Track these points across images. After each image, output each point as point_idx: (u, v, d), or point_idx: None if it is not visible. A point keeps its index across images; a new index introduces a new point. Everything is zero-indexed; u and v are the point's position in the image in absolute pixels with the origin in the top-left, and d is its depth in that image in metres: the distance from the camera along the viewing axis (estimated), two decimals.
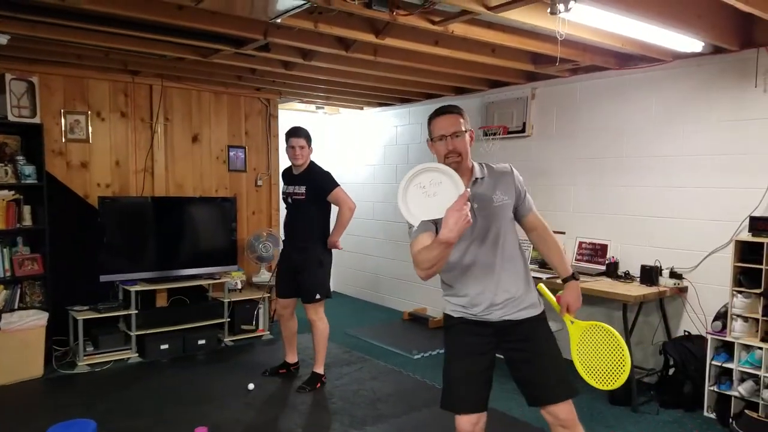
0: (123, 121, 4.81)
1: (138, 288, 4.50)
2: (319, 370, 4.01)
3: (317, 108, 6.58)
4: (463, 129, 2.18)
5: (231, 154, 5.38)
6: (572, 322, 2.26)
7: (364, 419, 3.43)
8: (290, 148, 3.94)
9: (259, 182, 5.57)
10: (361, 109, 6.66)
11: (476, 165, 2.24)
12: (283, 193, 4.09)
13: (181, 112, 5.09)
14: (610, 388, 2.15)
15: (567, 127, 4.70)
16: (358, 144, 6.92)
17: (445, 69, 4.26)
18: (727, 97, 3.76)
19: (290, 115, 6.53)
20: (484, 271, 2.14)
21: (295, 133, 3.94)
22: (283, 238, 4.12)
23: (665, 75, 4.06)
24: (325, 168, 4.05)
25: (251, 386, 3.90)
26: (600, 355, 2.17)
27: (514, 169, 2.28)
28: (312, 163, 4.00)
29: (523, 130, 4.95)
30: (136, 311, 4.48)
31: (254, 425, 3.34)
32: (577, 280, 2.29)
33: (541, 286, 2.38)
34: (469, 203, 1.86)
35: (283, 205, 4.22)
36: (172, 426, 3.28)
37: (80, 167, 4.64)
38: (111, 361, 4.37)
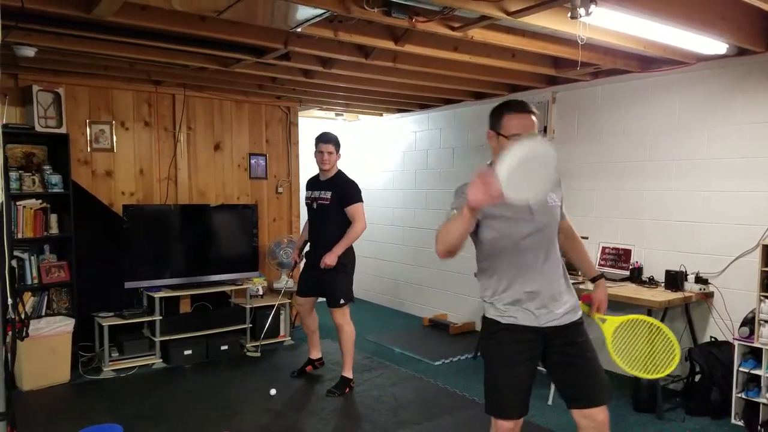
0: (146, 130, 4.90)
1: (162, 294, 4.56)
2: (348, 374, 4.02)
3: (336, 115, 6.62)
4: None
5: (252, 161, 5.44)
6: (603, 321, 2.26)
7: (386, 426, 3.43)
8: (319, 153, 3.97)
9: (280, 189, 5.62)
10: (381, 115, 6.69)
11: None
12: (308, 198, 4.10)
13: (203, 121, 5.17)
14: (659, 375, 2.18)
15: (589, 131, 4.66)
16: (377, 150, 6.94)
17: (465, 74, 4.25)
18: (752, 98, 3.70)
19: (310, 122, 6.57)
20: (534, 262, 2.13)
21: (325, 138, 3.97)
22: (308, 243, 4.15)
23: (689, 77, 4.01)
24: (352, 177, 4.08)
25: (273, 392, 3.92)
26: (641, 346, 2.19)
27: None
28: (340, 171, 4.04)
29: (544, 134, 4.91)
30: (161, 317, 4.54)
31: (276, 431, 3.35)
32: (605, 278, 2.31)
33: None
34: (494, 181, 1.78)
35: (303, 211, 4.25)
36: (195, 430, 3.31)
37: (105, 176, 4.73)
38: (136, 366, 4.43)
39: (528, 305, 2.13)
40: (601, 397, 2.14)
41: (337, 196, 3.91)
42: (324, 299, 4.00)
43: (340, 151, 4.02)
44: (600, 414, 2.13)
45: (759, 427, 3.28)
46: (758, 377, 3.40)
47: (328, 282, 3.93)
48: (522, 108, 2.17)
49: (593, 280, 2.33)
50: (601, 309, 2.26)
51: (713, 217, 3.91)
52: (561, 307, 2.16)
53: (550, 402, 3.81)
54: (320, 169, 4.04)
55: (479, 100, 5.47)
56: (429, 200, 6.22)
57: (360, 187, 4.03)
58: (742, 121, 3.75)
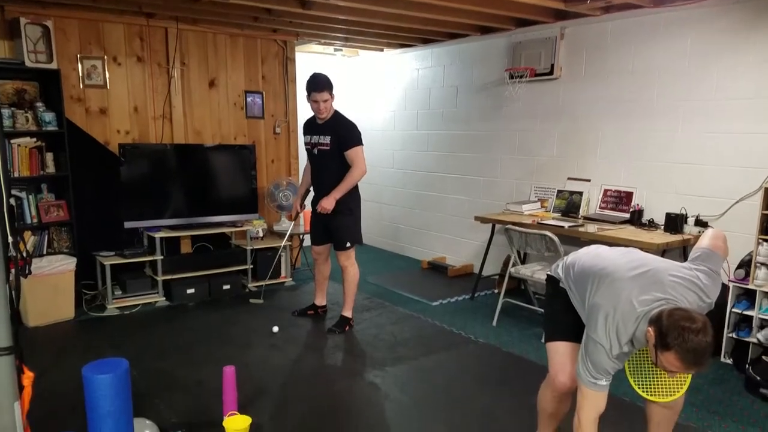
0: (139, 66, 4.76)
1: (162, 234, 4.57)
2: (348, 313, 4.09)
3: (335, 50, 6.42)
4: None
5: (248, 99, 5.32)
6: None
7: (384, 361, 3.52)
8: (313, 103, 3.76)
9: (278, 130, 5.53)
10: (381, 50, 6.48)
11: None
12: (307, 144, 3.99)
13: (197, 56, 5.02)
14: (662, 400, 2.10)
15: (597, 70, 4.55)
16: (378, 88, 6.77)
17: (470, 6, 4.09)
18: (763, 37, 3.59)
19: (308, 57, 6.39)
20: None
21: (316, 86, 3.71)
22: (312, 189, 4.10)
23: (703, 14, 3.87)
24: (350, 118, 3.95)
25: (275, 329, 4.00)
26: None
27: None
28: (336, 113, 3.89)
29: (551, 72, 4.79)
30: (162, 257, 4.57)
31: (279, 365, 3.44)
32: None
33: None
34: None
35: (302, 154, 4.17)
36: (200, 366, 3.40)
37: (99, 113, 4.63)
38: (139, 304, 4.50)
39: None
40: None
41: (336, 139, 3.80)
42: None
43: (334, 92, 3.82)
44: None
45: (747, 365, 3.36)
46: (750, 318, 3.46)
47: (336, 225, 3.93)
48: None
49: None
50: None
51: (717, 159, 3.87)
52: None
53: (543, 340, 3.90)
54: (317, 117, 3.90)
55: (486, 34, 5.30)
56: (431, 142, 6.14)
57: (359, 128, 3.93)
58: (753, 60, 3.65)
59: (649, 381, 2.10)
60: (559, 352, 2.24)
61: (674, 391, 2.06)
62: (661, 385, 2.09)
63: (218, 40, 5.11)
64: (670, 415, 2.27)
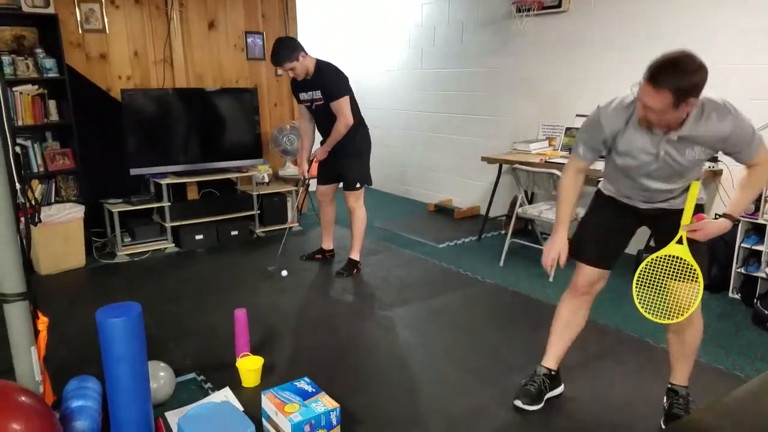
0: (137, 8, 4.63)
1: (168, 181, 4.57)
2: (356, 256, 4.12)
3: None
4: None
5: (249, 41, 5.19)
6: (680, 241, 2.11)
7: (392, 302, 3.57)
8: (285, 72, 3.75)
9: (279, 72, 5.41)
10: None
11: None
12: (303, 100, 3.90)
13: None
14: (669, 322, 2.08)
15: (606, 1, 4.37)
16: (381, 26, 6.57)
17: None
18: None
19: None
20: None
21: (275, 60, 3.67)
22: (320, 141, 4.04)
23: None
24: (336, 65, 3.81)
25: (284, 273, 4.05)
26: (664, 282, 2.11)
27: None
28: (318, 65, 3.74)
29: (559, 5, 4.61)
30: (169, 203, 4.59)
31: (289, 308, 3.51)
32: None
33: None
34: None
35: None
36: (211, 309, 3.47)
37: (99, 59, 4.55)
38: (149, 251, 4.55)
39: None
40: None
41: (327, 93, 3.73)
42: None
43: (302, 51, 3.66)
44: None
45: (755, 300, 3.39)
46: (759, 253, 3.46)
47: (345, 166, 3.91)
48: (649, 77, 1.90)
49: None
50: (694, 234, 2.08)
51: (729, 92, 3.73)
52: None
53: (551, 279, 3.93)
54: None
55: None
56: (437, 81, 6.00)
57: (344, 74, 3.77)
58: None
59: (655, 302, 2.10)
60: (584, 274, 2.38)
61: (678, 314, 2.05)
62: (667, 305, 2.09)
63: None
64: (682, 349, 2.29)
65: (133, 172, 4.54)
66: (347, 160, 3.89)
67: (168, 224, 4.62)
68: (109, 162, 4.61)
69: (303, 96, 3.88)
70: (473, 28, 5.47)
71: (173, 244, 4.67)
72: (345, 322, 3.32)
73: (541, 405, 2.45)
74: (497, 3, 5.17)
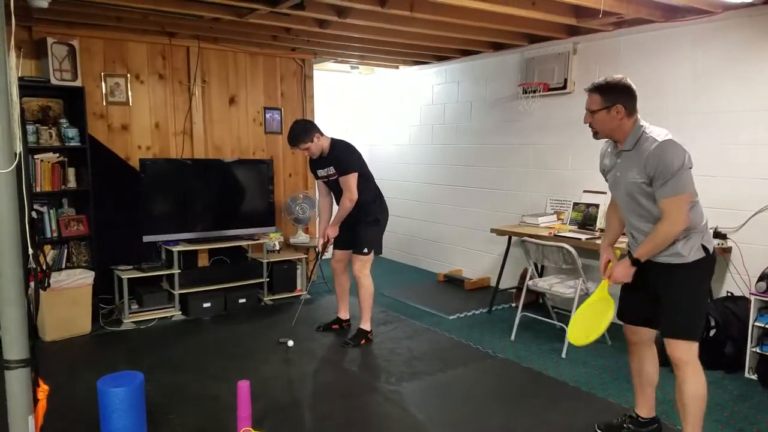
0: (161, 83, 4.86)
1: (180, 248, 4.62)
2: (366, 326, 4.08)
3: (352, 68, 6.50)
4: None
5: (267, 116, 5.40)
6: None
7: (401, 376, 3.49)
8: (301, 152, 3.99)
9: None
10: (397, 68, 6.55)
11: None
12: (320, 177, 4.08)
13: (218, 74, 5.11)
14: (577, 342, 2.60)
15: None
16: (394, 104, 6.83)
17: (483, 23, 4.13)
18: None
19: (325, 75, 6.47)
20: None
21: (291, 142, 3.91)
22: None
23: (714, 27, 3.86)
24: (350, 141, 4.03)
25: (291, 343, 3.99)
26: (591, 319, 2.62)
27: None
28: (332, 143, 3.95)
29: (564, 87, 4.79)
30: (179, 270, 4.61)
31: (294, 379, 3.44)
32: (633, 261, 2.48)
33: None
34: None
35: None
36: (215, 380, 3.40)
37: (121, 129, 4.73)
38: (155, 318, 4.53)
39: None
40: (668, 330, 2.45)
41: (337, 167, 3.90)
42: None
43: (317, 132, 3.88)
44: (672, 350, 2.43)
45: None
46: None
47: (360, 229, 3.97)
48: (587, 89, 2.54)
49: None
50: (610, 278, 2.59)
51: (734, 171, 3.82)
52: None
53: (563, 355, 3.85)
54: None
55: (498, 51, 5.33)
56: (446, 155, 6.15)
57: (355, 151, 3.98)
58: (767, 72, 3.62)
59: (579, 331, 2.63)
60: (625, 327, 2.73)
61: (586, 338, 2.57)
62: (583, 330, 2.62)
63: (238, 58, 5.21)
64: (680, 406, 2.47)
65: (146, 239, 4.60)
66: (363, 226, 3.97)
67: (176, 291, 4.63)
68: (122, 228, 4.68)
69: (320, 173, 4.04)
70: (481, 107, 5.67)
71: (180, 312, 4.66)
72: (351, 395, 3.24)
73: None
74: (504, 85, 5.37)
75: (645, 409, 2.73)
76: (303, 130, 3.89)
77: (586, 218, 4.62)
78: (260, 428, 2.68)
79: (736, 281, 3.80)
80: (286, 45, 5.19)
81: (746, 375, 3.50)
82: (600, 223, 4.53)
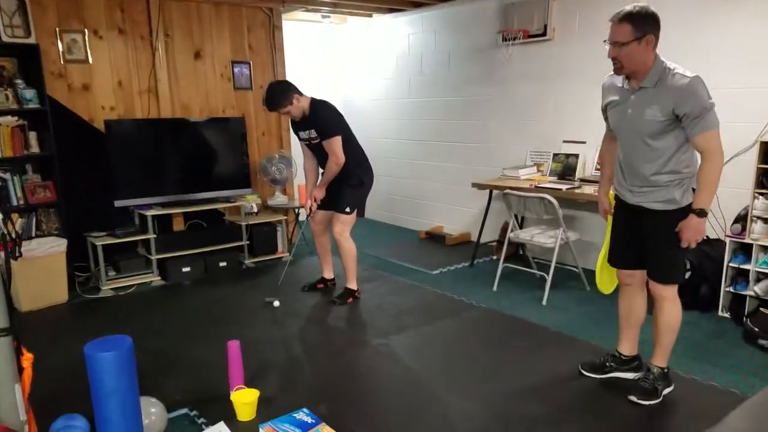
0: (122, 38, 4.60)
1: (154, 213, 4.48)
2: (352, 285, 4.06)
3: (323, 17, 6.27)
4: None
5: (235, 70, 5.19)
6: None
7: (389, 330, 3.51)
8: (281, 116, 3.77)
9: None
10: (370, 16, 6.33)
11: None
12: (302, 139, 3.94)
13: (181, 27, 4.86)
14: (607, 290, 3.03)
15: (590, 29, 4.47)
16: (369, 56, 6.63)
17: None
18: None
19: (294, 26, 6.24)
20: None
21: (271, 106, 3.72)
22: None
23: None
24: (329, 101, 3.86)
25: (277, 303, 3.96)
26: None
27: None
28: (312, 104, 3.77)
29: (544, 33, 4.71)
30: (155, 235, 4.50)
31: (283, 338, 3.42)
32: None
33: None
34: None
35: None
36: (203, 343, 3.36)
37: (82, 90, 4.49)
38: (134, 284, 4.43)
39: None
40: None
41: (319, 131, 3.76)
42: None
43: (295, 93, 3.70)
44: (655, 287, 2.54)
45: (744, 318, 3.40)
46: (747, 272, 3.49)
47: (342, 190, 3.88)
48: (612, 19, 2.37)
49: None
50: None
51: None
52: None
53: (544, 302, 3.91)
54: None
55: None
56: (424, 109, 6.05)
57: (337, 113, 3.82)
58: (747, 15, 3.60)
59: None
60: (618, 271, 2.80)
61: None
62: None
63: (202, 9, 4.95)
64: (655, 332, 2.63)
65: (118, 204, 4.45)
66: (346, 188, 3.88)
67: (154, 257, 4.52)
68: (92, 194, 4.52)
69: (302, 135, 3.90)
70: (460, 57, 5.55)
71: (159, 277, 4.56)
72: (342, 350, 3.24)
73: (600, 377, 2.80)
74: (483, 32, 5.26)
75: (627, 347, 2.81)
76: (280, 92, 3.70)
77: (565, 169, 4.64)
78: (253, 387, 2.67)
79: (711, 225, 3.88)
80: None
81: (720, 314, 3.62)
82: (580, 173, 4.56)
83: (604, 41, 2.37)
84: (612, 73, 2.47)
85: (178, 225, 4.87)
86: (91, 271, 4.51)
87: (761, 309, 3.37)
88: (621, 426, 2.43)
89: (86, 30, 4.43)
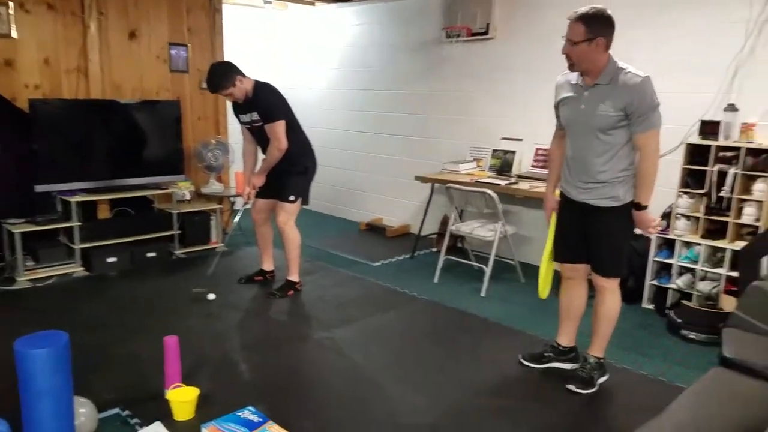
0: (51, 14, 4.27)
1: (78, 198, 4.21)
2: (293, 277, 3.97)
3: (265, 2, 6.09)
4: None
5: (172, 52, 4.95)
6: None
7: (331, 323, 3.48)
8: (224, 97, 3.68)
9: (204, 85, 5.17)
10: (313, 4, 6.21)
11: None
12: (243, 122, 3.81)
13: (116, 5, 4.57)
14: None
15: (530, 30, 4.60)
16: (311, 45, 6.52)
17: None
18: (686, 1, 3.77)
19: (234, 10, 6.03)
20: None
21: (213, 87, 3.60)
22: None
23: None
24: (273, 84, 3.76)
25: (211, 296, 3.81)
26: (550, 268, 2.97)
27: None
28: (256, 87, 3.66)
29: (486, 32, 4.80)
30: (79, 223, 4.23)
31: (220, 332, 3.31)
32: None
33: None
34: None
35: (230, 110, 3.95)
36: (134, 338, 3.19)
37: (4, 66, 4.13)
38: (54, 275, 4.15)
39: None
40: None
41: (262, 114, 3.65)
42: None
43: (238, 75, 3.58)
44: (598, 280, 2.67)
45: (667, 309, 3.62)
46: (669, 266, 3.72)
47: (286, 179, 3.78)
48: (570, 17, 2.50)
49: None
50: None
51: None
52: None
53: (483, 294, 4.01)
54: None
55: None
56: (367, 101, 6.02)
57: (281, 97, 3.73)
58: (678, 22, 3.83)
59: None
60: (561, 265, 2.90)
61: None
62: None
63: None
64: (594, 321, 2.77)
65: (39, 189, 4.14)
66: (290, 175, 3.78)
67: (77, 246, 4.25)
68: (10, 177, 4.18)
69: (243, 118, 3.78)
70: (404, 52, 5.56)
71: (82, 268, 4.30)
72: (283, 344, 3.18)
73: (539, 366, 2.91)
74: (428, 28, 5.29)
75: (566, 338, 2.92)
76: (222, 73, 3.57)
77: (503, 165, 4.76)
78: (190, 385, 2.56)
79: None
80: None
81: (644, 305, 3.84)
82: (516, 169, 4.69)
83: (562, 37, 2.45)
84: (566, 71, 2.57)
85: (104, 213, 4.59)
86: (6, 260, 4.18)
87: (683, 301, 3.60)
88: (565, 414, 2.52)
89: (11, 2, 4.07)
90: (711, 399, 1.68)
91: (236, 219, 4.46)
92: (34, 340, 1.80)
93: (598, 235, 2.59)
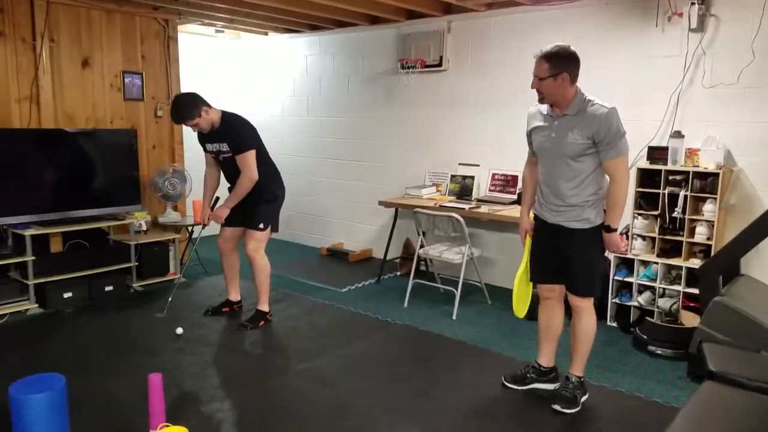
0: (0, 40, 4.08)
1: (32, 232, 3.99)
2: (264, 307, 3.91)
3: (216, 31, 6.05)
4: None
5: (126, 80, 4.82)
6: None
7: (310, 353, 3.44)
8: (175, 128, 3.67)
9: (159, 113, 5.07)
10: (266, 34, 6.23)
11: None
12: (209, 151, 3.77)
13: (69, 32, 4.42)
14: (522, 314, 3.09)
15: (482, 62, 4.82)
16: (264, 73, 6.51)
17: None
18: (630, 35, 4.08)
19: (187, 38, 5.95)
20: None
21: (178, 119, 3.60)
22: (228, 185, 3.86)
23: (575, 13, 4.28)
24: (241, 116, 3.75)
25: (180, 330, 3.69)
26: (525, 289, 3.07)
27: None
28: (224, 117, 3.66)
29: (440, 64, 4.97)
30: (33, 258, 4.00)
31: (196, 368, 3.20)
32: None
33: None
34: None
35: (187, 137, 3.88)
36: (103, 378, 3.04)
37: None
38: (6, 314, 3.91)
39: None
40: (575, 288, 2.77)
41: (232, 145, 3.63)
42: None
43: (203, 105, 3.58)
44: (573, 300, 2.79)
45: (631, 327, 3.80)
46: (629, 284, 3.92)
47: (255, 207, 3.73)
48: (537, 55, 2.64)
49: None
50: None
51: None
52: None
53: (454, 317, 4.08)
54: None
55: (375, 24, 5.35)
56: (324, 129, 6.06)
57: (251, 127, 3.73)
58: (620, 56, 4.12)
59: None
60: (538, 286, 2.99)
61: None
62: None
63: (92, 15, 4.55)
64: (572, 340, 2.88)
65: None
66: (259, 203, 3.75)
67: (31, 281, 4.02)
68: None
69: (209, 147, 3.74)
70: (359, 82, 5.66)
71: (36, 305, 4.06)
72: (267, 378, 3.11)
73: (522, 388, 2.99)
74: (382, 60, 5.42)
75: (546, 359, 3.02)
76: (188, 104, 3.54)
77: (462, 189, 4.91)
78: (176, 423, 2.46)
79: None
80: (147, 2, 4.66)
81: (608, 323, 4.01)
82: (476, 193, 4.84)
83: (532, 73, 2.61)
84: (536, 102, 2.73)
85: (56, 246, 4.36)
86: None
87: (647, 318, 3.77)
88: None
89: None
90: (709, 416, 1.77)
91: (194, 247, 4.35)
92: (30, 384, 1.71)
93: (571, 257, 2.72)
